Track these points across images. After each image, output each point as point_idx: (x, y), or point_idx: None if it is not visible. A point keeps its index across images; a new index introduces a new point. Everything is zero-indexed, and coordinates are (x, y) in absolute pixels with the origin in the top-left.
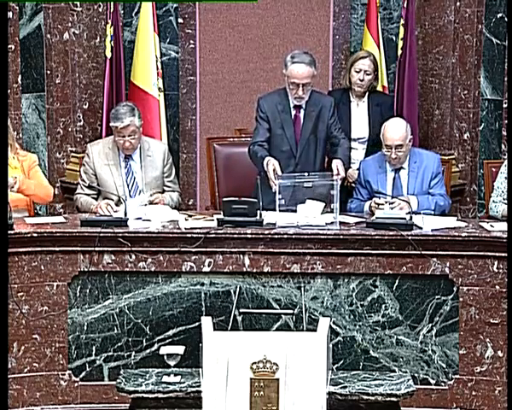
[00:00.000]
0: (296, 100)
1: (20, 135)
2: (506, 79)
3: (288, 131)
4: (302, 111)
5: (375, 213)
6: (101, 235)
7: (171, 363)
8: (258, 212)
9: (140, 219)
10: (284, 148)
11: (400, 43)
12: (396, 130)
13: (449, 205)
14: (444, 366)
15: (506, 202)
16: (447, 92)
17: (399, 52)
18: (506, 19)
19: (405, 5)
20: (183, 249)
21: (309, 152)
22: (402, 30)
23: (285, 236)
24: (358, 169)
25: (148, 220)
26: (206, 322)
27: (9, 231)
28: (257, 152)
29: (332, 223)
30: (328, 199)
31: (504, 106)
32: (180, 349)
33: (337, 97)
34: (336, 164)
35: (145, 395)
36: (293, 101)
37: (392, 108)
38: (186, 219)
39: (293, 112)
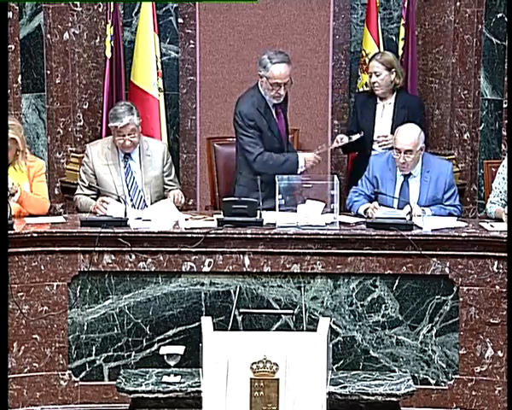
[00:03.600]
0: (276, 99)
1: None
2: (506, 78)
3: (275, 129)
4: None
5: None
6: (101, 235)
7: (171, 363)
8: (258, 212)
9: (140, 218)
10: (275, 146)
11: (401, 44)
12: (408, 135)
13: (461, 214)
14: (444, 366)
15: (503, 202)
16: (447, 92)
17: (400, 52)
18: (506, 19)
19: (405, 5)
20: (183, 249)
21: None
22: (403, 30)
23: (285, 236)
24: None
25: (149, 220)
26: (206, 322)
27: (9, 231)
28: (275, 155)
29: (332, 223)
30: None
31: (504, 106)
32: (180, 349)
33: (363, 100)
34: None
35: (145, 395)
36: (271, 100)
37: (420, 110)
38: (186, 219)
39: (274, 109)
